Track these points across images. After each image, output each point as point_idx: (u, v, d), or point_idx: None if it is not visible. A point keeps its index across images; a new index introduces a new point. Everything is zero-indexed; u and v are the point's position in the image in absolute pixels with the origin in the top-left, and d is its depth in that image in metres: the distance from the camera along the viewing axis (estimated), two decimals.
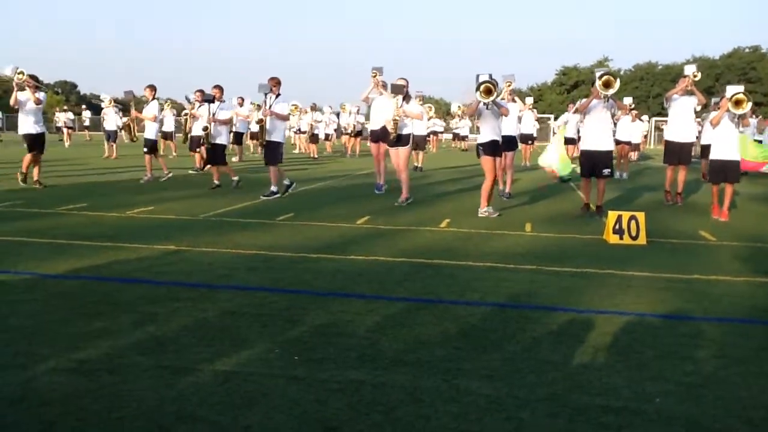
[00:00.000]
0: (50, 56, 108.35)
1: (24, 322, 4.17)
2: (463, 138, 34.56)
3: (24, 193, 11.08)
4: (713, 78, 63.36)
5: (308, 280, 5.43)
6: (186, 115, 16.43)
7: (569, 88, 68.89)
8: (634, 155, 22.58)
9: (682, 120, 11.13)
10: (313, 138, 25.22)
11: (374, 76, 11.64)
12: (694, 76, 10.78)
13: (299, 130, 26.98)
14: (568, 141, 17.26)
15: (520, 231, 8.10)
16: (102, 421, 2.85)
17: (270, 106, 11.03)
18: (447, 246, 7.03)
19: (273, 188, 11.25)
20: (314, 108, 26.46)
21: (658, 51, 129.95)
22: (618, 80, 9.09)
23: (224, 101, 12.60)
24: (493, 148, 9.28)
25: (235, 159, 19.66)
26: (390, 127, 10.64)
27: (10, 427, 2.78)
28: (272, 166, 11.27)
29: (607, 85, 8.97)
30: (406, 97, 10.74)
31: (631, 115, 17.86)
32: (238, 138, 20.08)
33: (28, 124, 12.00)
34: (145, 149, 13.78)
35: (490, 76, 9.00)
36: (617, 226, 7.34)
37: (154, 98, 13.94)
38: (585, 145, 9.62)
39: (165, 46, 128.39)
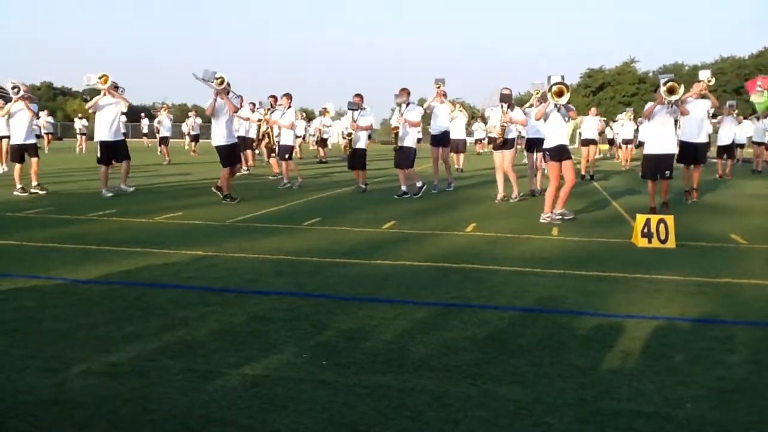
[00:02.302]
0: (79, 61, 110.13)
1: (57, 326, 4.24)
2: (479, 141, 34.79)
3: (54, 200, 11.28)
4: (742, 78, 62.49)
5: (335, 284, 5.45)
6: (260, 121, 16.64)
7: (595, 90, 68.37)
8: None
9: (696, 122, 11.58)
10: (322, 142, 26.53)
11: (438, 87, 13.02)
12: (708, 81, 11.42)
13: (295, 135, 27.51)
14: (589, 142, 17.44)
15: (546, 235, 8.06)
16: (133, 424, 2.88)
17: (402, 114, 12.07)
18: (473, 250, 7.01)
19: (403, 188, 12.40)
20: (324, 112, 26.91)
21: (685, 52, 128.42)
22: (682, 87, 9.33)
23: (365, 108, 13.21)
24: (560, 153, 9.12)
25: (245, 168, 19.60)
26: (496, 133, 11.51)
27: (44, 429, 2.83)
28: (405, 168, 12.35)
29: (671, 91, 9.19)
30: (510, 105, 11.54)
31: None
32: (249, 144, 18.91)
33: (220, 134, 11.27)
34: (287, 156, 14.31)
35: (563, 77, 9.08)
36: (646, 230, 7.27)
37: (290, 106, 14.37)
38: (649, 149, 9.97)
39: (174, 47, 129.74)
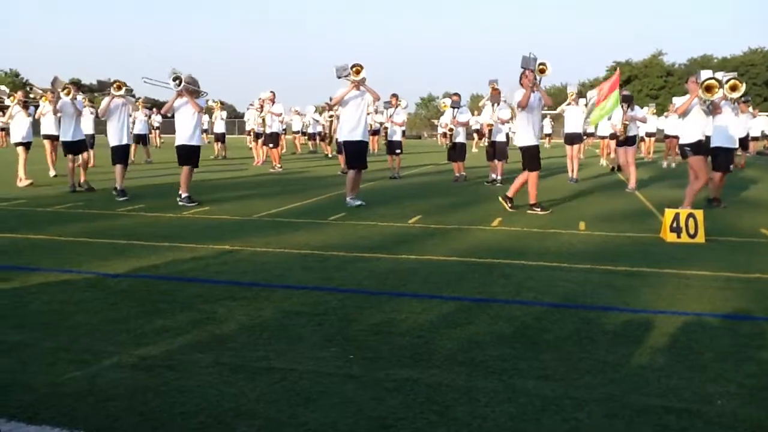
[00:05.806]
0: (102, 59, 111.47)
1: (88, 320, 4.31)
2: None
3: (83, 195, 11.43)
4: None
5: (361, 279, 5.47)
6: (332, 117, 17.09)
7: (622, 83, 67.44)
8: None
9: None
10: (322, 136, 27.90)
11: (492, 87, 14.19)
12: None
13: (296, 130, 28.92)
14: (613, 136, 17.68)
15: (573, 230, 8.00)
16: (164, 417, 2.92)
17: (495, 113, 13.62)
18: (500, 245, 6.99)
19: (498, 177, 13.81)
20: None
21: (713, 43, 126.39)
22: (721, 89, 9.43)
23: (462, 105, 14.91)
24: (701, 148, 9.09)
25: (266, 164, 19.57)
26: (619, 130, 13.10)
27: (78, 420, 2.88)
28: (499, 161, 13.88)
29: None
30: (631, 105, 13.03)
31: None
32: (275, 139, 18.52)
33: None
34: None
35: (713, 73, 9.16)
36: (674, 224, 7.19)
37: (398, 105, 16.27)
38: (716, 142, 10.05)
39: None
